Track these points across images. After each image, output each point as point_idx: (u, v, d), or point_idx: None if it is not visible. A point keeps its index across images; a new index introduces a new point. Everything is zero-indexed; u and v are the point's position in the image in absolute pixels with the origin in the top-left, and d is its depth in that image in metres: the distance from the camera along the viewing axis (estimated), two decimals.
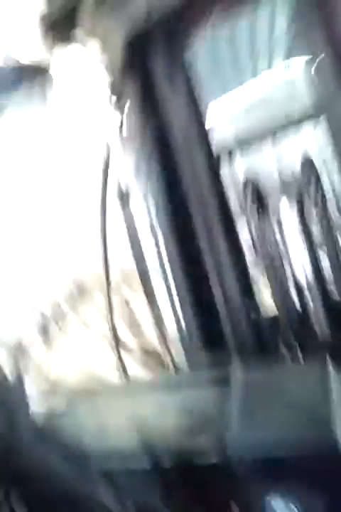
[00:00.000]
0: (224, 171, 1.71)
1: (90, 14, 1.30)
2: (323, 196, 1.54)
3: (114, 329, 1.86)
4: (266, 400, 0.95)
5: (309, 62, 1.29)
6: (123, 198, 1.88)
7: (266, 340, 1.69)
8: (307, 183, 1.54)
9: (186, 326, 1.56)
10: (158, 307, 1.97)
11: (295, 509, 0.82)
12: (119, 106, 1.44)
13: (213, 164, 1.60)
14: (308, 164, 1.54)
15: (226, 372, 1.06)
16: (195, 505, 0.96)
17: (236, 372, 1.04)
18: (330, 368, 0.97)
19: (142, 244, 2.05)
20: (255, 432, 0.90)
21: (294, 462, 0.83)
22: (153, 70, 1.43)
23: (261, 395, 0.98)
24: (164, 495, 0.95)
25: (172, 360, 1.98)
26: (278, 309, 1.73)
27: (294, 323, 1.69)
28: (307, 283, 1.67)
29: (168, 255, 1.62)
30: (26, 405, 0.66)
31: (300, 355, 1.64)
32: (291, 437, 0.85)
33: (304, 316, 1.70)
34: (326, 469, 0.82)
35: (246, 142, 1.72)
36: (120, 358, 1.87)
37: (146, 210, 1.64)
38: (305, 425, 0.86)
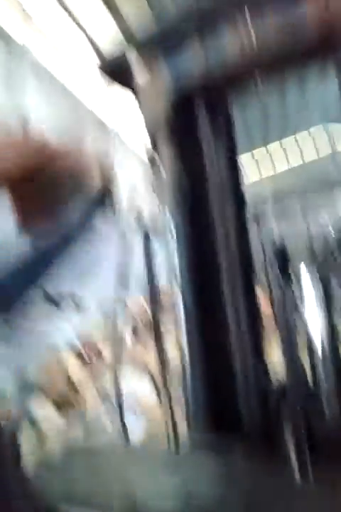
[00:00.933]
0: (253, 231, 1.67)
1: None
2: None
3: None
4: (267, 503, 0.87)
5: None
6: (146, 233, 1.83)
7: (272, 413, 1.59)
8: (336, 249, 1.49)
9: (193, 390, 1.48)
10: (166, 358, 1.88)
11: None
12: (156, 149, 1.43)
13: (243, 224, 1.56)
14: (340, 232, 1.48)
15: (229, 458, 0.98)
16: None
17: (240, 461, 0.95)
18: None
19: (158, 284, 1.99)
20: None
21: None
22: (197, 119, 1.41)
23: (263, 497, 0.89)
24: None
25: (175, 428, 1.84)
26: (287, 379, 1.64)
27: (303, 399, 1.59)
28: (323, 355, 1.58)
29: (184, 302, 1.57)
30: (17, 454, 0.60)
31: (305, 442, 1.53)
32: None
33: (315, 391, 1.60)
34: None
35: (278, 202, 1.68)
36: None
37: (167, 251, 1.59)
38: None
